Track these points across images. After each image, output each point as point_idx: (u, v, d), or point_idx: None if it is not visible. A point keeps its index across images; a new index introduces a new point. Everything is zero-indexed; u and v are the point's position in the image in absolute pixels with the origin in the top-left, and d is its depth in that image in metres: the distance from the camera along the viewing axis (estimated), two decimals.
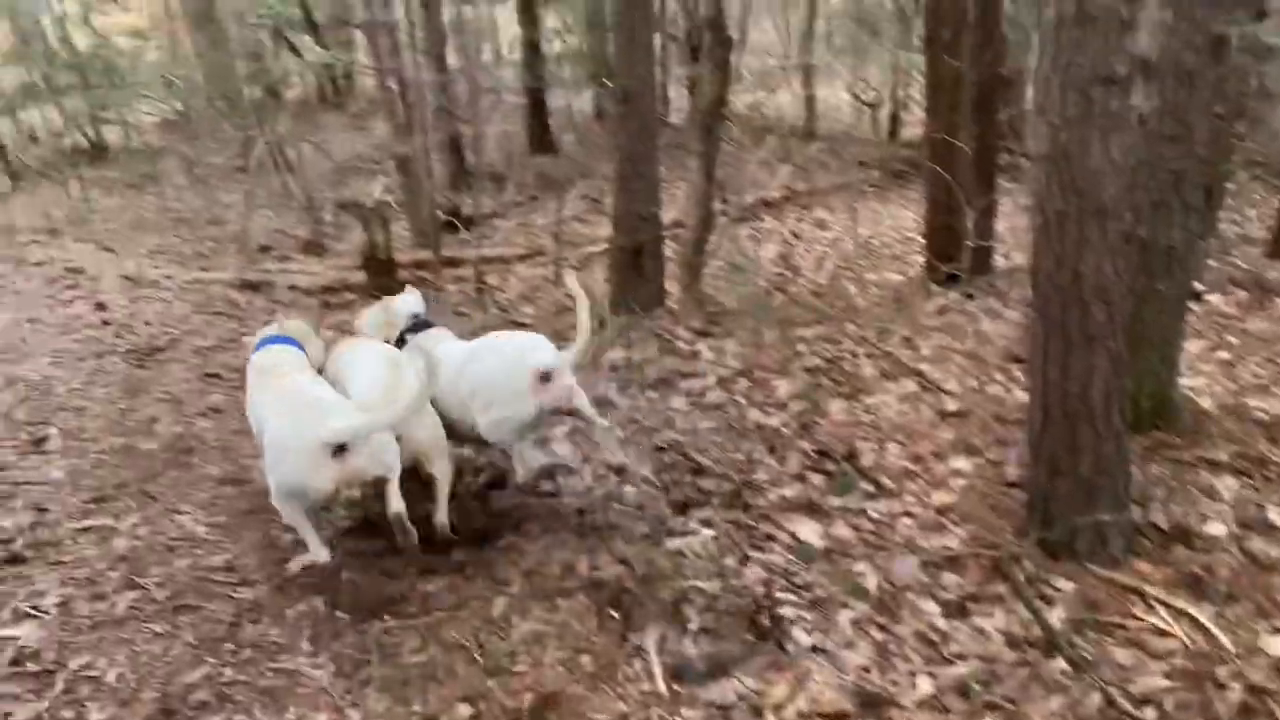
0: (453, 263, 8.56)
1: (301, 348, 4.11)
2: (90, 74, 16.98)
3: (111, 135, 17.83)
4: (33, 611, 3.37)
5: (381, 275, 7.72)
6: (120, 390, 5.67)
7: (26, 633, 3.23)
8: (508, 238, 9.79)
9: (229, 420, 5.15)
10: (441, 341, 4.24)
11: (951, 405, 4.77)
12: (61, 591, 3.49)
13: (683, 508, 3.96)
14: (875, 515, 3.86)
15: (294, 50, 19.74)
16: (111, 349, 6.56)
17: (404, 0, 12.77)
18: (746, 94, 14.14)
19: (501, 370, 3.72)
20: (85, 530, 3.96)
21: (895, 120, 12.17)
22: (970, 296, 6.50)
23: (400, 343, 4.28)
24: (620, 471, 4.21)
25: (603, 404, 5.00)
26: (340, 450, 3.25)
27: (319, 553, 3.43)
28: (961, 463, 4.20)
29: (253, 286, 8.11)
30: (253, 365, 3.94)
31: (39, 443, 4.88)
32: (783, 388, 5.05)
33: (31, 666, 3.06)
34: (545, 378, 3.65)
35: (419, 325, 4.40)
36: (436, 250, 8.18)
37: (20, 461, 4.65)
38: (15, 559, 3.72)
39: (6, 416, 5.26)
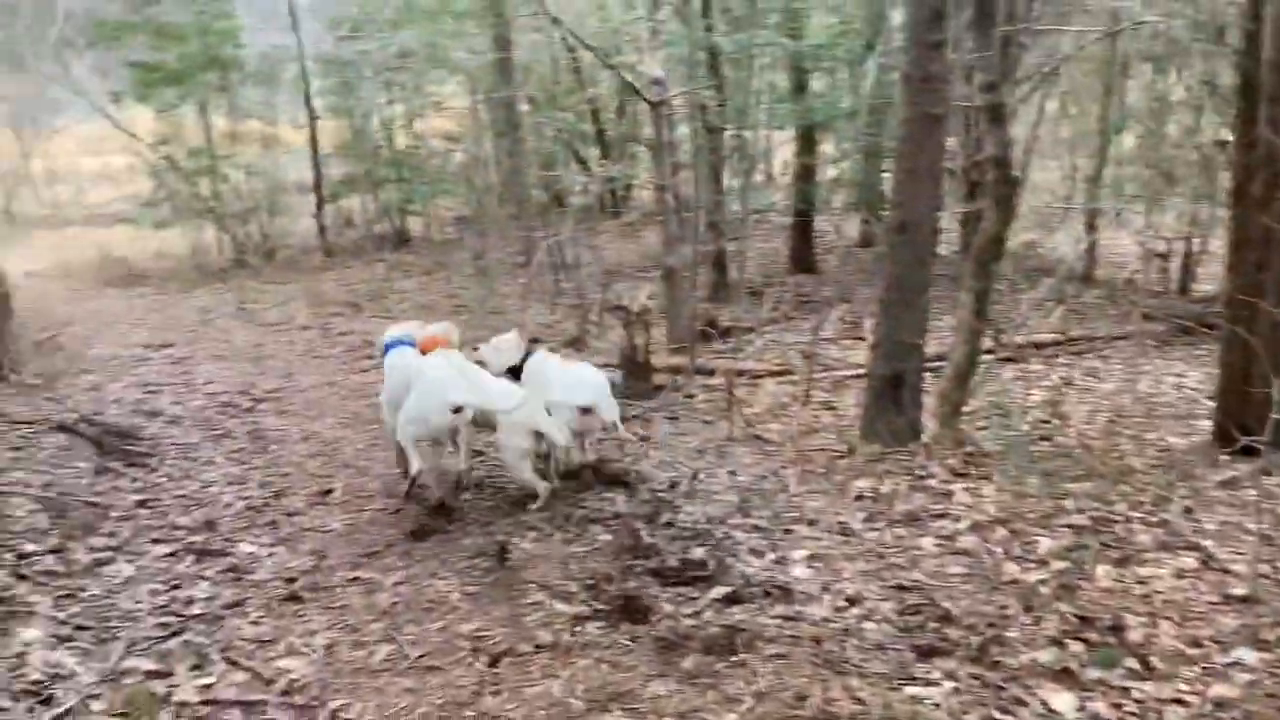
0: (706, 371, 8.77)
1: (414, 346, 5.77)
2: (405, 170, 19.03)
3: (415, 225, 19.78)
4: (304, 649, 3.67)
5: (638, 377, 8.00)
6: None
7: (297, 667, 3.52)
8: (760, 353, 9.89)
9: (487, 497, 5.46)
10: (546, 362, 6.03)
11: (1238, 589, 4.31)
12: (329, 634, 3.79)
13: (925, 654, 3.77)
14: (1140, 696, 3.51)
15: (581, 162, 21.30)
16: None
17: (690, 121, 13.53)
18: (1024, 232, 13.75)
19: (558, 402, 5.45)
20: (355, 580, 4.29)
21: (1187, 273, 11.39)
22: (1268, 473, 5.88)
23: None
24: (854, 602, 4.09)
25: (846, 533, 4.90)
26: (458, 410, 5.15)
27: (415, 463, 5.12)
28: (1247, 655, 3.76)
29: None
30: (388, 363, 5.65)
31: (325, 494, 5.37)
32: (1044, 543, 4.75)
33: (298, 699, 3.33)
34: (586, 410, 5.50)
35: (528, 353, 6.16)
36: (692, 357, 8.40)
37: (308, 509, 5.13)
38: (295, 597, 4.09)
39: (300, 467, 5.85)
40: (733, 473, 5.96)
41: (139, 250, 20.00)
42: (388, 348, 5.76)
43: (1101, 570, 4.48)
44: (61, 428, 5.69)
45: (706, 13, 11.64)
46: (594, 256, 11.54)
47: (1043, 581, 4.35)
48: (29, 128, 26.79)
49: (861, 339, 10.11)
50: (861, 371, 8.54)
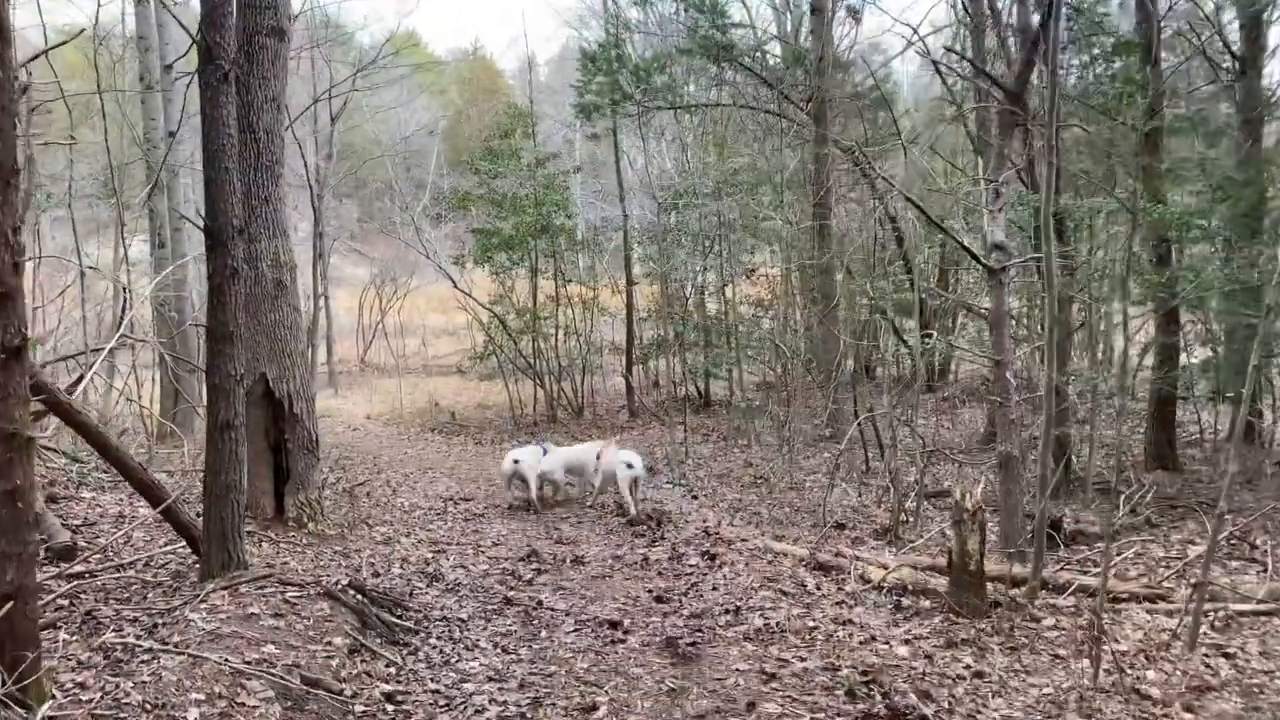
0: (1054, 587, 7.14)
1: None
2: (712, 335, 18.76)
3: (717, 389, 19.37)
4: None
5: (967, 588, 6.57)
6: (669, 663, 5.18)
7: None
8: (1121, 569, 8.05)
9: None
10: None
11: None
12: None
13: None
14: None
15: (897, 333, 20.12)
16: (672, 609, 6.26)
17: (1023, 292, 12.08)
18: None
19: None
20: None
21: None
22: None
23: None
24: None
25: None
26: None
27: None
28: None
29: (824, 569, 7.46)
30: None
31: (588, 713, 4.46)
32: None
33: None
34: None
35: None
36: (1037, 568, 6.83)
37: None
38: None
39: (567, 668, 5.01)
40: None
41: (465, 400, 21.05)
42: None
43: None
44: (328, 594, 5.25)
45: (1056, 175, 10.38)
46: (912, 436, 10.23)
47: None
48: (388, 287, 29.77)
49: (1255, 561, 8.03)
50: (1263, 608, 6.60)
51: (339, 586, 5.52)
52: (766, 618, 6.06)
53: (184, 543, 5.95)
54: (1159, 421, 11.44)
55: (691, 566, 7.36)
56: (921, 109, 21.22)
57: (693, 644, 5.52)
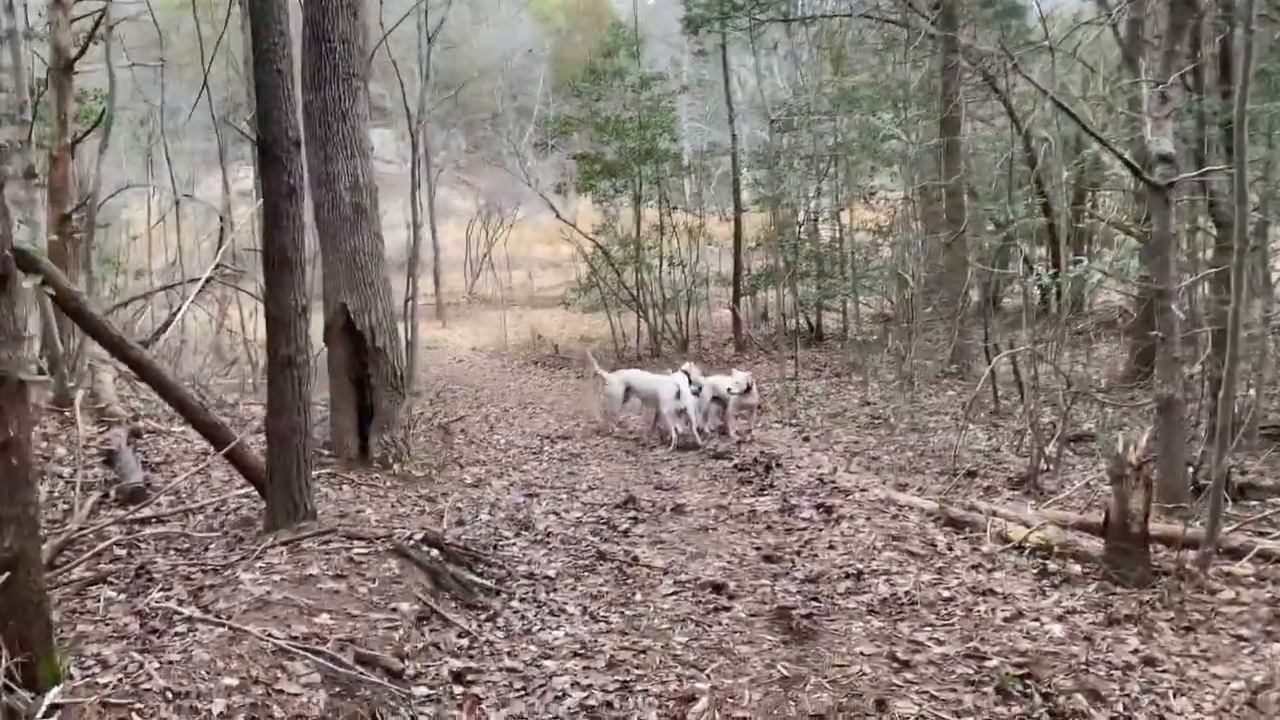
0: (1224, 550, 6.11)
1: None
2: (826, 264, 17.67)
3: (830, 322, 18.32)
4: None
5: (1128, 554, 5.62)
6: (782, 641, 4.45)
7: None
8: None
9: None
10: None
11: None
12: None
13: None
14: None
15: (1027, 261, 18.60)
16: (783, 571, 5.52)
17: (1186, 213, 10.69)
18: None
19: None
20: None
21: None
22: None
23: None
24: None
25: None
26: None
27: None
28: None
29: (956, 525, 6.58)
30: None
31: (686, 703, 3.76)
32: None
33: None
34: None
35: None
36: (1214, 529, 5.79)
37: None
38: None
39: (664, 639, 4.33)
40: None
41: (569, 333, 20.53)
42: None
43: None
44: (398, 551, 4.67)
45: (1225, 76, 8.98)
46: (1055, 373, 9.14)
47: None
48: (495, 219, 29.36)
49: None
50: None
51: (412, 542, 4.94)
52: (893, 584, 5.25)
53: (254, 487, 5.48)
54: None
55: (805, 520, 6.58)
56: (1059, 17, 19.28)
57: (808, 616, 4.76)
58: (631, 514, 6.85)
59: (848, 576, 5.42)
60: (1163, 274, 7.31)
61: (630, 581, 5.36)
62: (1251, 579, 5.74)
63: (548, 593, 5.07)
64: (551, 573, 5.39)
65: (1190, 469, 7.24)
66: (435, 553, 4.93)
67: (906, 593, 5.08)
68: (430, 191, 25.30)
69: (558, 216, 18.57)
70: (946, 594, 5.09)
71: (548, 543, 6.02)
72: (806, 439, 9.87)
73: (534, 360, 17.72)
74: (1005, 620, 4.78)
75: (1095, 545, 6.05)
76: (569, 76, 29.63)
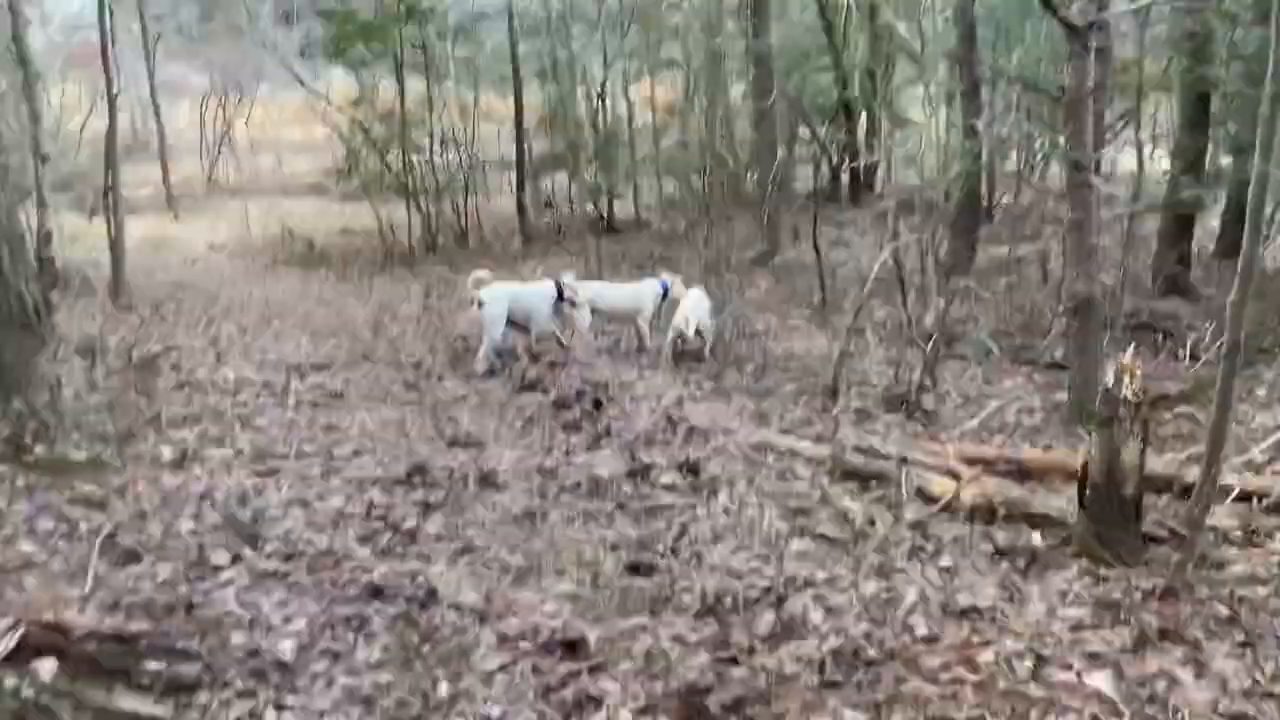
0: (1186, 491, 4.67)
1: None
2: (615, 146, 15.44)
3: (621, 211, 16.26)
4: None
5: (1116, 521, 3.98)
6: None
7: None
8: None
9: None
10: None
11: None
12: None
13: None
14: None
15: (816, 138, 17.15)
16: (662, 594, 3.46)
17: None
18: None
19: None
20: None
21: None
22: None
23: None
24: None
25: None
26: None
27: None
28: None
29: (859, 478, 4.76)
30: None
31: None
32: None
33: None
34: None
35: None
36: (1203, 488, 4.22)
37: None
38: None
39: None
40: None
41: (327, 226, 17.29)
42: None
43: None
44: None
45: None
46: (936, 265, 7.49)
47: None
48: (235, 95, 24.84)
49: None
50: None
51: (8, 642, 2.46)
52: (831, 611, 3.34)
53: None
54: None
55: (669, 490, 4.55)
56: None
57: (734, 708, 2.75)
58: (420, 494, 4.56)
59: (761, 599, 3.45)
60: (1078, 139, 5.66)
61: (428, 649, 3.13)
62: (1238, 532, 4.30)
63: (277, 706, 2.76)
64: (288, 649, 3.06)
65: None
66: (48, 667, 2.47)
67: (866, 631, 3.17)
68: (150, 65, 20.71)
69: (303, 85, 15.14)
70: (919, 628, 3.23)
71: (287, 574, 3.65)
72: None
73: (284, 260, 14.55)
74: (1030, 669, 2.98)
75: (1055, 502, 4.41)
76: None
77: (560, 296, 7.46)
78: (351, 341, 8.42)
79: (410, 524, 4.20)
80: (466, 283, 7.72)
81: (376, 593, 3.51)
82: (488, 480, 4.72)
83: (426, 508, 4.39)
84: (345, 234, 16.33)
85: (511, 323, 7.31)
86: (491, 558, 3.86)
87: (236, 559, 3.74)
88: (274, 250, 15.22)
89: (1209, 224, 10.86)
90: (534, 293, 7.62)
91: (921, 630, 3.19)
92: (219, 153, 24.63)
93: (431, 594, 3.50)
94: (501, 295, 7.34)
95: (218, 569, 3.65)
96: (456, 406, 6.20)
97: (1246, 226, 3.84)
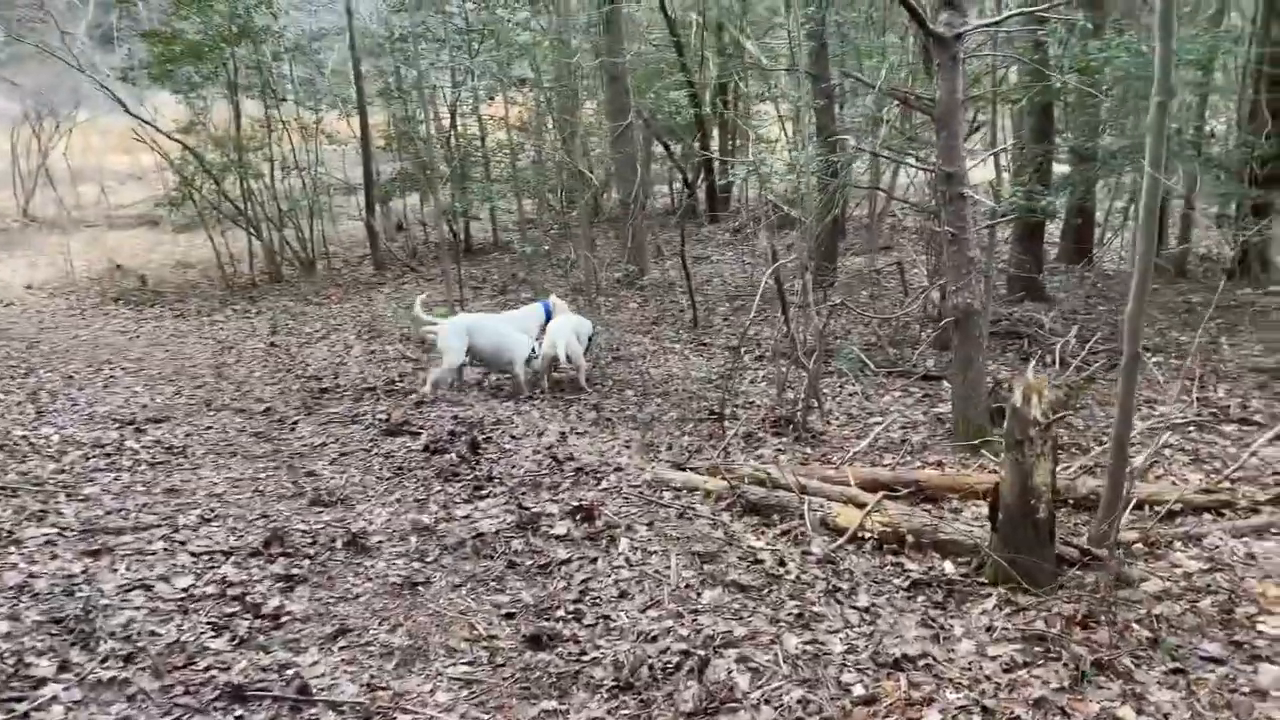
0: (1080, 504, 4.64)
1: None
2: (468, 165, 14.89)
3: (481, 231, 15.73)
4: None
5: (1032, 545, 3.85)
6: None
7: None
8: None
9: None
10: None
11: None
12: None
13: None
14: None
15: (670, 155, 17.06)
16: (570, 669, 3.08)
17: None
18: None
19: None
20: None
21: None
22: None
23: None
24: None
25: None
26: None
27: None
28: None
29: (759, 512, 4.50)
30: None
31: None
32: None
33: None
34: None
35: None
36: (1114, 504, 4.14)
37: None
38: None
39: None
40: None
41: (159, 259, 16.01)
42: None
43: None
44: None
45: None
46: (815, 284, 7.35)
47: None
48: (50, 121, 22.82)
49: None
50: None
51: None
52: (762, 680, 3.04)
53: None
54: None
55: (563, 541, 4.16)
56: None
57: None
58: (281, 566, 4.01)
59: (680, 665, 3.12)
60: (950, 152, 5.62)
61: None
62: (1139, 545, 4.27)
63: None
64: None
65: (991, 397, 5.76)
66: None
67: (800, 698, 2.88)
68: None
69: (127, 111, 13.90)
70: (855, 687, 2.97)
71: (127, 681, 3.07)
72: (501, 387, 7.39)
73: (114, 297, 13.31)
74: None
75: (961, 526, 4.28)
76: None
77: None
78: (192, 387, 7.63)
79: (272, 604, 3.65)
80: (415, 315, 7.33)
81: (237, 695, 2.98)
82: (358, 544, 4.21)
83: (289, 582, 3.85)
84: (180, 267, 15.16)
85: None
86: (370, 640, 3.38)
87: (64, 667, 3.12)
88: (101, 288, 13.91)
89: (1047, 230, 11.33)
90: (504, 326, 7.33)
91: (858, 690, 2.93)
92: (35, 184, 22.56)
93: (303, 692, 3.01)
94: (458, 327, 6.95)
95: (40, 683, 3.03)
96: (315, 457, 5.61)
97: (1140, 236, 3.80)
